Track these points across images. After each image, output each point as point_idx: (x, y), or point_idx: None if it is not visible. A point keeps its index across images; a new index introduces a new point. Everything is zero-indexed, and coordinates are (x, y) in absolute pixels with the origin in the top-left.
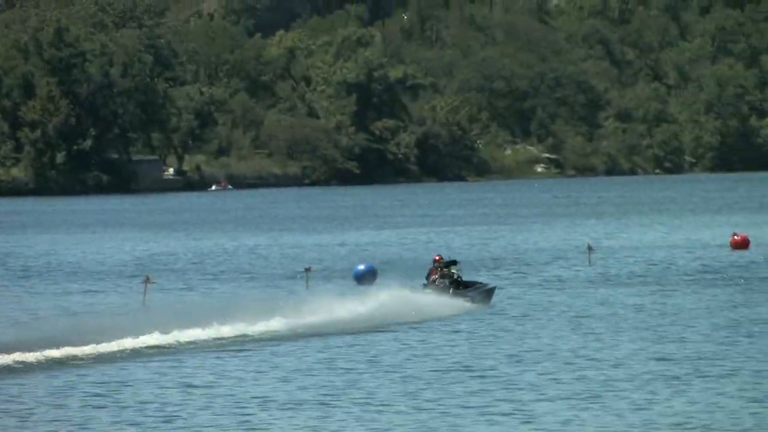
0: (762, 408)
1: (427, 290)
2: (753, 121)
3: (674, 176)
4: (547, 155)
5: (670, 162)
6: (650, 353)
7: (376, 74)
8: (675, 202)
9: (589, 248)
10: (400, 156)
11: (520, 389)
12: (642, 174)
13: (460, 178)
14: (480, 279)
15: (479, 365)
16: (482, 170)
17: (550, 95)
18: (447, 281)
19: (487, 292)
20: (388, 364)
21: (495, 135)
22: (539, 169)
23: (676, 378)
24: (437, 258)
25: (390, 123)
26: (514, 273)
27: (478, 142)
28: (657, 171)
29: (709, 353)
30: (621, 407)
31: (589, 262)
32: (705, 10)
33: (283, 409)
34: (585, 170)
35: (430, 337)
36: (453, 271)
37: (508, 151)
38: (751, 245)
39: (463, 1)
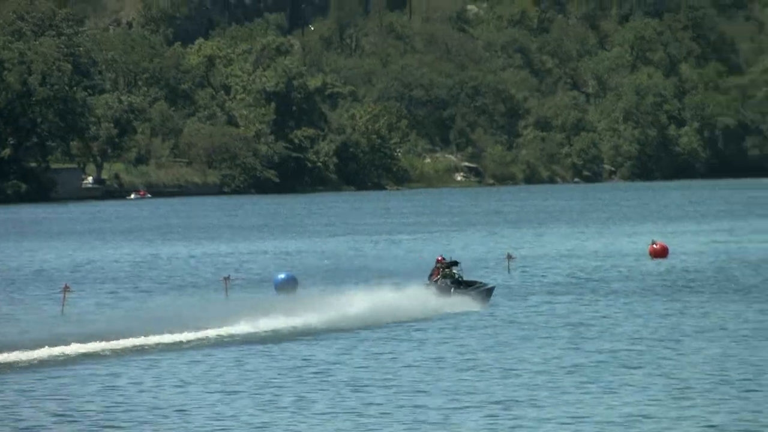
0: (680, 409)
1: (430, 289)
2: (671, 129)
3: (593, 184)
4: (466, 164)
5: (589, 170)
6: (566, 360)
7: (295, 83)
8: (594, 211)
9: (509, 257)
10: (319, 164)
11: (431, 395)
12: (561, 182)
13: (380, 187)
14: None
15: (392, 376)
16: (401, 179)
17: (470, 104)
18: (449, 281)
19: (487, 291)
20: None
21: (414, 144)
22: (459, 178)
23: (591, 383)
24: (440, 259)
25: (309, 131)
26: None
27: (398, 150)
28: (576, 179)
29: (624, 360)
30: (537, 416)
31: (509, 270)
32: (624, 19)
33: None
34: (504, 179)
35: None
36: (454, 271)
37: (428, 160)
38: (670, 253)
39: (382, 9)
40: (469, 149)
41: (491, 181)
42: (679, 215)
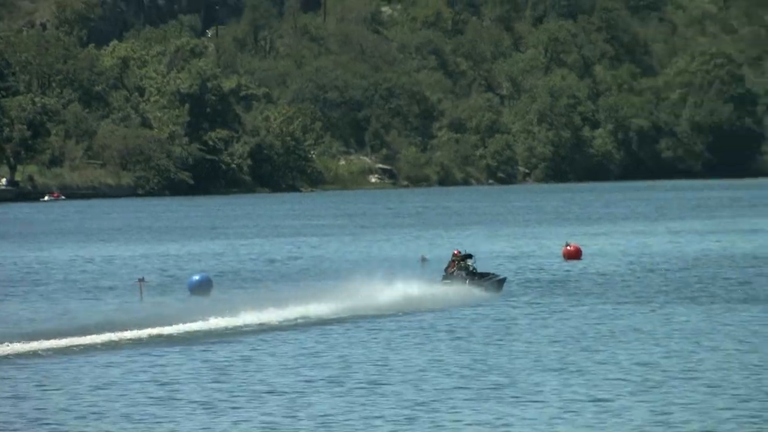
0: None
1: (446, 281)
2: (585, 131)
3: (507, 186)
4: (380, 165)
5: (503, 172)
6: (480, 364)
7: (209, 84)
8: (508, 213)
9: (423, 259)
10: (233, 166)
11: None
12: (475, 184)
13: (294, 189)
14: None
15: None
16: (316, 181)
17: (384, 106)
18: (464, 273)
19: (499, 282)
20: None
21: (329, 145)
22: (373, 180)
23: (494, 388)
24: (456, 252)
25: (223, 133)
26: (352, 282)
27: (312, 152)
28: (490, 181)
29: (533, 363)
30: (439, 421)
31: (423, 272)
32: (538, 21)
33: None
34: (418, 180)
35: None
36: (469, 263)
37: (342, 162)
38: (583, 255)
39: (296, 11)
40: (384, 151)
41: (405, 183)
42: (593, 217)
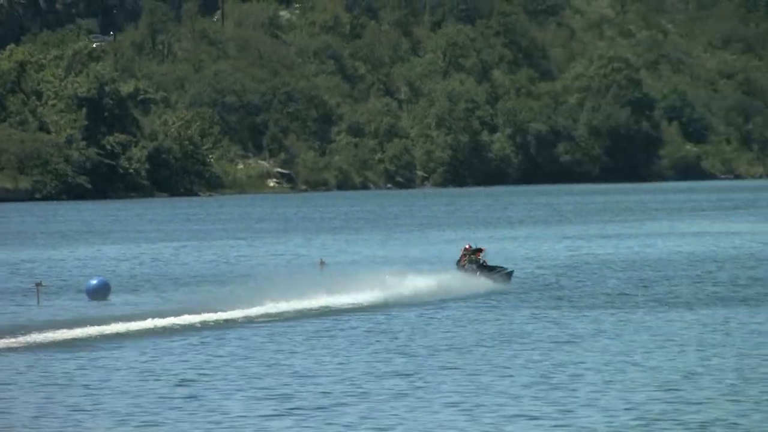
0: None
1: (458, 273)
2: (484, 135)
3: (406, 190)
4: (279, 170)
5: (402, 176)
6: (382, 368)
7: (107, 88)
8: (407, 217)
9: (321, 262)
10: (131, 171)
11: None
12: (374, 188)
13: (192, 193)
14: (501, 265)
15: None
16: (214, 185)
17: (282, 110)
18: (475, 266)
19: (507, 275)
20: None
21: (227, 149)
22: (271, 184)
23: (403, 394)
24: (467, 246)
25: (121, 137)
26: (247, 286)
27: (210, 156)
28: (389, 185)
29: (435, 367)
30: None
31: (321, 275)
32: (436, 25)
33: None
34: (317, 185)
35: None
36: (480, 256)
37: (240, 166)
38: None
39: (194, 15)
40: (282, 155)
41: (304, 187)
42: (492, 221)
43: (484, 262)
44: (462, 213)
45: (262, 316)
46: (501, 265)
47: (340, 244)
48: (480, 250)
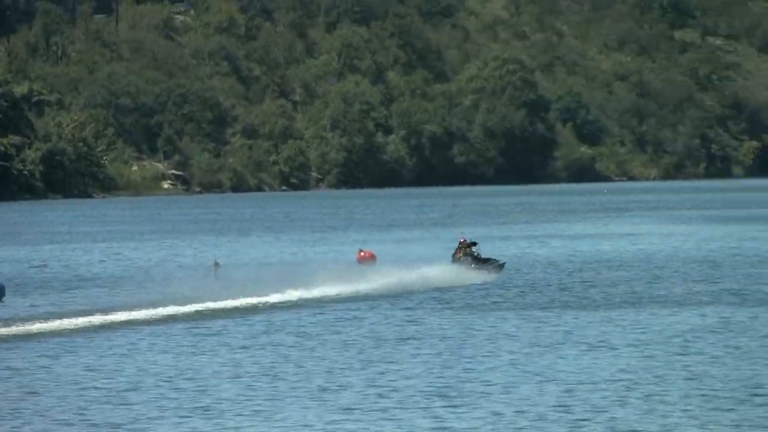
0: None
1: (454, 265)
2: (378, 137)
3: (301, 192)
4: (173, 171)
5: (296, 178)
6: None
7: (0, 90)
8: (302, 218)
9: (215, 264)
10: (25, 173)
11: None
12: (268, 190)
13: (87, 195)
14: (493, 257)
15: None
16: (109, 187)
17: (177, 111)
18: (469, 258)
19: (500, 266)
20: None
21: (121, 151)
22: (166, 186)
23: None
24: (462, 240)
25: (15, 139)
26: (141, 288)
27: (104, 158)
28: (283, 187)
29: (326, 369)
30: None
31: (215, 277)
32: (331, 27)
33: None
34: (212, 186)
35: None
36: (473, 249)
37: (135, 168)
38: (377, 261)
39: (88, 17)
40: (177, 157)
41: (198, 189)
42: (386, 223)
43: (478, 254)
44: (355, 215)
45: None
46: (494, 258)
47: (237, 244)
48: (474, 244)
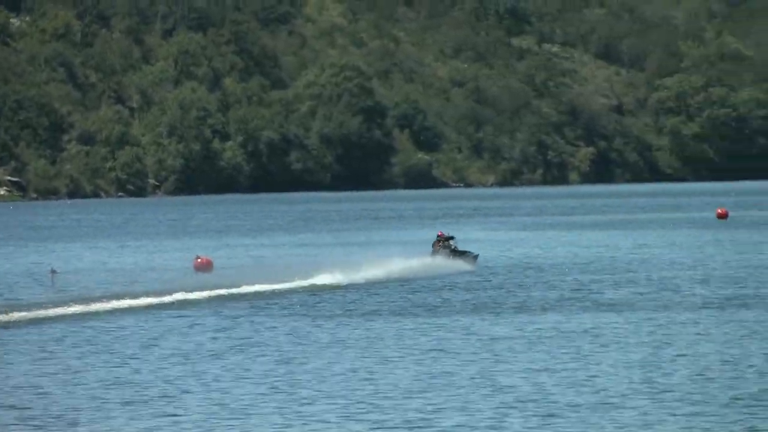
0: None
1: (435, 256)
2: (215, 144)
3: (138, 199)
4: (9, 178)
5: (133, 185)
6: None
7: None
8: (139, 225)
9: (52, 272)
10: None
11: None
12: (105, 197)
13: None
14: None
15: None
16: None
17: (13, 118)
18: (447, 251)
19: (474, 258)
20: None
21: None
22: (2, 192)
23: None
24: (440, 234)
25: None
26: None
27: None
28: (120, 194)
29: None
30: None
31: (53, 284)
32: (168, 34)
33: None
34: (48, 193)
35: None
36: (451, 243)
37: None
38: (214, 267)
39: None
40: (12, 163)
41: (35, 196)
42: (223, 229)
43: (455, 247)
44: (193, 221)
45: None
46: (469, 250)
47: (73, 251)
48: (452, 238)
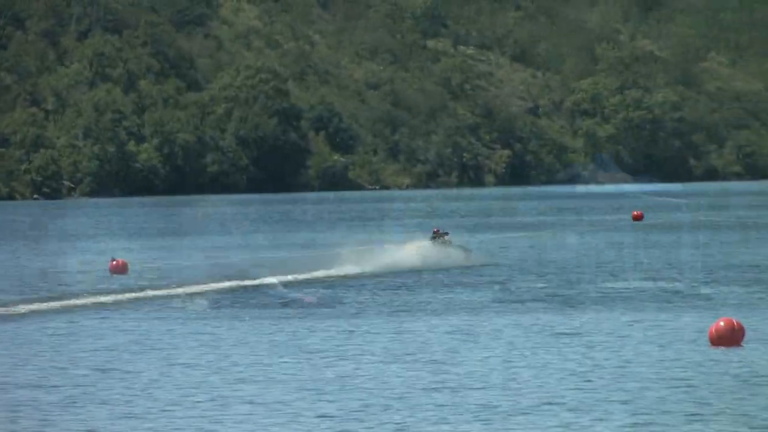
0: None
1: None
2: (131, 146)
3: (53, 201)
4: None
5: (48, 187)
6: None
7: None
8: (53, 228)
9: None
10: None
11: None
12: (20, 199)
13: None
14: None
15: None
16: None
17: None
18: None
19: (469, 251)
20: None
21: None
22: None
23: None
24: (436, 230)
25: None
26: None
27: None
28: (35, 196)
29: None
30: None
31: None
32: (83, 36)
33: None
34: None
35: None
36: (446, 238)
37: None
38: (130, 270)
39: None
40: None
41: None
42: (137, 231)
43: (450, 242)
44: (108, 224)
45: None
46: (463, 245)
47: None
48: (447, 233)
